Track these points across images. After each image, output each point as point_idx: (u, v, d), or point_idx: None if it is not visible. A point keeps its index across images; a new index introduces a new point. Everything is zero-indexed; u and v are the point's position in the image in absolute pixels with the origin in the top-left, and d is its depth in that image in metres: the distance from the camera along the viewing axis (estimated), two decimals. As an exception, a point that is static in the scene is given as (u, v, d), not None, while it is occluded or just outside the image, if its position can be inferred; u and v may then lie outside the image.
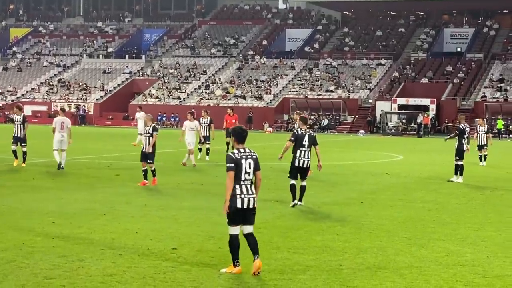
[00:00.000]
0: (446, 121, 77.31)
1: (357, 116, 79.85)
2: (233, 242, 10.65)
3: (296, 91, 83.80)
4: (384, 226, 15.26)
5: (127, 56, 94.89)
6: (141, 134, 40.45)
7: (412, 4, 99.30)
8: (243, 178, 10.63)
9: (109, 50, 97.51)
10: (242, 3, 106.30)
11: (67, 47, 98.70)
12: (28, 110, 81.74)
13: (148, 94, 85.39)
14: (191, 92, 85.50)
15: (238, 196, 10.61)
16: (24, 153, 26.55)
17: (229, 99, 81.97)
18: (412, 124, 75.47)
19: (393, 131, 74.82)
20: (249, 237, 10.74)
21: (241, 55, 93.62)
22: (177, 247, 12.42)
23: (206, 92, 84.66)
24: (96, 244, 12.62)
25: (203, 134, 31.86)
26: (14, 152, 26.61)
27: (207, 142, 32.06)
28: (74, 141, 28.27)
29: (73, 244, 12.63)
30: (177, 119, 78.86)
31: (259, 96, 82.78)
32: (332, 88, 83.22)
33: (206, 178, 24.80)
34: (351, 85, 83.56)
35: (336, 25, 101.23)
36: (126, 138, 48.90)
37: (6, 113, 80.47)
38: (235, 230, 10.67)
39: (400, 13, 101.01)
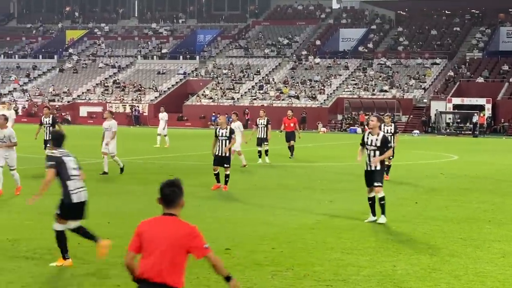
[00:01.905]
0: (502, 121, 76.17)
1: (411, 116, 79.13)
2: (61, 238, 11.03)
3: (350, 91, 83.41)
4: (439, 227, 15.09)
5: (181, 57, 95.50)
6: (159, 135, 40.69)
7: (468, 3, 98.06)
8: (71, 174, 11.04)
9: (163, 51, 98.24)
10: (295, 3, 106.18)
11: (122, 49, 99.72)
12: (83, 111, 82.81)
13: (202, 94, 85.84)
14: (245, 92, 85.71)
15: (72, 191, 11.03)
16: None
17: (282, 100, 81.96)
18: (468, 124, 74.53)
19: (448, 131, 73.98)
20: (80, 229, 11.21)
21: (294, 55, 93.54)
22: (230, 248, 12.45)
23: (259, 93, 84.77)
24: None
25: (260, 136, 30.76)
26: None
27: (265, 143, 30.79)
28: (129, 141, 28.53)
29: (128, 244, 12.74)
30: (230, 119, 79.16)
31: (313, 96, 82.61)
32: (386, 88, 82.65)
33: (260, 179, 24.81)
34: (406, 85, 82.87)
35: (390, 25, 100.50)
36: (179, 139, 49.21)
37: (62, 114, 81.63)
38: (62, 226, 11.05)
39: (455, 12, 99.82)
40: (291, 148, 33.23)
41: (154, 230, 6.68)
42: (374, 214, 15.56)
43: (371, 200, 15.61)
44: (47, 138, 25.67)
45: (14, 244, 12.40)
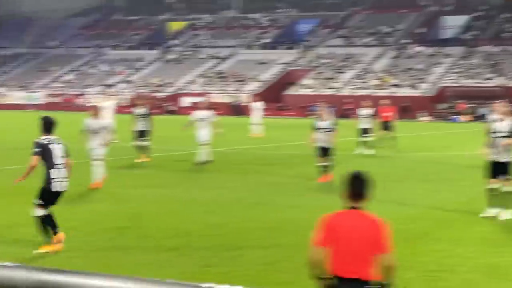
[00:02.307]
0: None
1: (518, 105, 76.99)
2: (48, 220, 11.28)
3: (453, 80, 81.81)
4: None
5: (281, 47, 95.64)
6: (254, 125, 40.77)
7: None
8: (56, 162, 11.22)
9: (264, 41, 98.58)
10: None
11: (223, 39, 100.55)
12: (186, 101, 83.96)
13: (302, 84, 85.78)
14: (345, 82, 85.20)
15: (54, 180, 11.21)
16: (146, 147, 25.65)
17: (384, 89, 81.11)
18: None
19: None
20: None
21: (396, 44, 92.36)
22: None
23: (360, 82, 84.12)
24: (253, 233, 12.84)
25: (364, 126, 30.19)
26: (138, 147, 25.61)
27: (369, 134, 30.20)
28: (230, 131, 28.65)
29: (232, 232, 12.92)
30: (333, 109, 78.81)
31: (415, 85, 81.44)
32: (491, 76, 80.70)
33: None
34: (511, 73, 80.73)
35: (496, 11, 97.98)
36: (279, 129, 49.34)
37: (165, 104, 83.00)
38: (45, 211, 11.26)
39: None
40: (388, 138, 32.62)
41: (347, 224, 6.38)
42: (493, 207, 14.84)
43: (493, 191, 14.85)
44: (140, 129, 25.75)
45: (122, 232, 12.73)
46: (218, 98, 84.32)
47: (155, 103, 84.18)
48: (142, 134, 25.69)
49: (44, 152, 11.26)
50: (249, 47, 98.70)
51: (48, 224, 11.25)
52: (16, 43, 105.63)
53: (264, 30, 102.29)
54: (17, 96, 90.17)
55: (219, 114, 72.11)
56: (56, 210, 15.05)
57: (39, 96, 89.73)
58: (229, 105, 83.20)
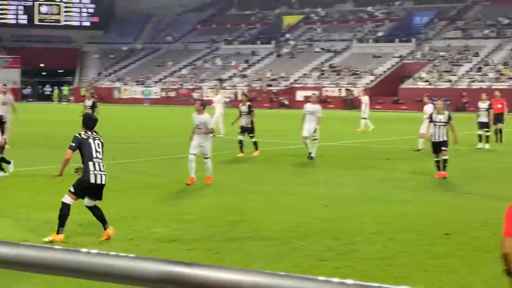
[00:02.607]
0: None
1: None
2: (65, 211, 11.42)
3: None
4: None
5: (396, 40, 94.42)
6: (364, 119, 40.16)
7: None
8: (94, 156, 11.53)
9: (379, 34, 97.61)
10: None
11: (337, 33, 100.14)
12: (300, 95, 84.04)
13: (418, 77, 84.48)
14: (462, 75, 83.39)
15: (91, 172, 11.46)
16: (253, 143, 25.51)
17: (502, 81, 78.94)
18: None
19: None
20: (94, 209, 11.71)
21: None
22: (450, 233, 12.19)
23: (478, 75, 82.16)
24: (368, 228, 12.71)
25: (482, 120, 29.29)
26: (240, 143, 25.37)
27: (488, 128, 29.39)
28: (341, 125, 28.39)
29: (345, 227, 12.83)
30: (448, 102, 77.29)
31: (536, 77, 78.89)
32: None
33: (483, 164, 24.08)
34: None
35: None
36: (393, 122, 48.73)
37: (279, 98, 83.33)
38: (72, 201, 11.53)
39: None
40: (498, 131, 31.66)
41: None
42: None
43: None
44: (244, 125, 25.72)
45: (236, 225, 12.82)
46: (332, 92, 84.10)
47: (269, 96, 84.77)
48: (245, 130, 25.62)
49: (82, 146, 11.66)
50: (363, 40, 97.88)
51: (63, 213, 11.57)
52: (134, 39, 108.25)
53: (378, 23, 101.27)
54: (134, 91, 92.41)
55: (331, 107, 71.83)
56: (174, 203, 15.33)
57: (155, 91, 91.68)
58: (342, 99, 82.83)
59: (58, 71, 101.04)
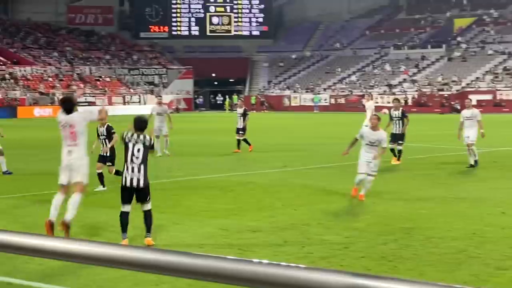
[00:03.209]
0: None
1: None
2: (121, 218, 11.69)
3: None
4: None
5: None
6: None
7: None
8: (129, 159, 11.63)
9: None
10: None
11: (511, 34, 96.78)
12: (473, 99, 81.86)
13: None
14: None
15: (124, 174, 11.53)
16: (399, 151, 24.72)
17: None
18: None
19: None
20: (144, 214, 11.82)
21: None
22: None
23: None
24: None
25: None
26: (392, 150, 24.46)
27: None
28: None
29: (524, 235, 12.34)
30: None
31: None
32: None
33: None
34: None
35: None
36: None
37: (451, 103, 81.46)
38: (124, 207, 11.67)
39: None
40: None
41: None
42: None
43: None
44: (394, 132, 24.80)
45: (409, 233, 12.62)
46: (506, 95, 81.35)
47: (440, 101, 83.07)
48: (396, 137, 24.86)
49: (124, 147, 11.87)
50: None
51: (121, 221, 11.75)
52: (303, 47, 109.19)
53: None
54: (304, 98, 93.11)
55: (506, 111, 69.32)
56: (344, 210, 15.29)
57: (324, 98, 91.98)
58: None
59: (229, 80, 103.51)
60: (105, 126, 18.02)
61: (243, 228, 12.98)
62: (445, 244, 11.59)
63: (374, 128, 16.52)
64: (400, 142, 24.81)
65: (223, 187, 18.57)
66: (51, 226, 12.06)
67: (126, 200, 11.79)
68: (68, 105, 12.61)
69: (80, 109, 13.25)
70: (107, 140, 18.07)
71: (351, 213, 14.81)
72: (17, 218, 14.40)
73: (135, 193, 11.80)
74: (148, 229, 11.84)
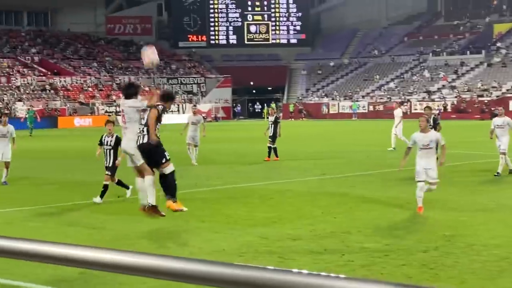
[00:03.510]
0: None
1: None
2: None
3: None
4: None
5: None
6: None
7: None
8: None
9: None
10: None
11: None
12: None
13: None
14: None
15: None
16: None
17: None
18: None
19: None
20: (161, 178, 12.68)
21: None
22: None
23: None
24: None
25: None
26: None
27: None
28: None
29: None
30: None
31: None
32: None
33: None
34: None
35: None
36: None
37: (492, 109, 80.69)
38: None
39: None
40: None
41: None
42: None
43: None
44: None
45: (450, 240, 12.53)
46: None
47: (480, 107, 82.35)
48: None
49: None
50: None
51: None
52: (341, 54, 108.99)
53: None
54: (342, 106, 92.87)
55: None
56: (384, 217, 15.21)
57: (362, 105, 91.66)
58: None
59: (267, 88, 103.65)
60: (114, 137, 17.85)
61: (283, 236, 12.98)
62: (487, 252, 11.48)
63: (424, 130, 15.75)
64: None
65: (262, 196, 18.60)
66: (150, 209, 12.68)
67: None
68: (125, 90, 13.30)
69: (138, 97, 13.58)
70: (112, 151, 17.76)
71: (391, 221, 14.73)
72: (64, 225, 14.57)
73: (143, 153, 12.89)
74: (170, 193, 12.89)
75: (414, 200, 16.33)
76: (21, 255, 2.48)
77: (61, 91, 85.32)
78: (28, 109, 63.97)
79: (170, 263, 2.24)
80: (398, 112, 34.98)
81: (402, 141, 31.74)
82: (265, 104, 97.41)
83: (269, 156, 29.29)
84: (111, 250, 2.34)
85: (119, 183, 18.00)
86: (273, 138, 29.41)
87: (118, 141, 17.29)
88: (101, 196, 17.48)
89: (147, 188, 12.64)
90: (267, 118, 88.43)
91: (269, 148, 29.45)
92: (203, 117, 32.93)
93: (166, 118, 16.86)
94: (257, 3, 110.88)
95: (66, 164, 28.84)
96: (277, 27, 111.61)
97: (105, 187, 17.57)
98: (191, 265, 2.22)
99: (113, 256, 2.31)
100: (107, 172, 17.76)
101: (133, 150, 12.86)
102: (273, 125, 29.63)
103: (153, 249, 12.08)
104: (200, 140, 28.37)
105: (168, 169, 12.11)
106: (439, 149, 16.25)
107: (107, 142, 17.91)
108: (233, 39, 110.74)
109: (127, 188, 18.10)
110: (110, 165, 17.79)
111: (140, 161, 12.82)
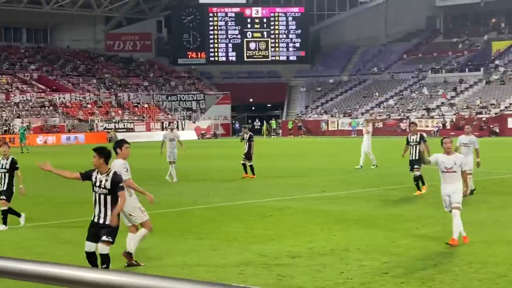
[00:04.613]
0: None
1: None
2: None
3: None
4: None
5: None
6: None
7: None
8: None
9: None
10: None
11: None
12: (511, 122, 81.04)
13: None
14: None
15: None
16: (417, 178, 22.90)
17: None
18: None
19: None
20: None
21: None
22: None
23: None
24: None
25: None
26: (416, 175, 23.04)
27: None
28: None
29: None
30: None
31: None
32: None
33: None
34: None
35: None
36: None
37: (490, 126, 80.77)
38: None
39: None
40: None
41: None
42: None
43: None
44: (412, 159, 23.08)
45: (448, 257, 12.52)
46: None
47: (479, 125, 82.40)
48: (413, 163, 22.95)
49: None
50: None
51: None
52: (340, 71, 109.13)
53: None
54: (341, 122, 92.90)
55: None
56: (383, 235, 15.20)
57: (361, 122, 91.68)
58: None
59: (267, 105, 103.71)
60: (9, 159, 16.70)
61: (282, 254, 12.97)
62: (486, 270, 11.48)
63: (449, 152, 14.65)
64: (417, 167, 22.72)
65: (261, 213, 18.59)
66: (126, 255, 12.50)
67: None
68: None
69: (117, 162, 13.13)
70: (7, 175, 16.59)
71: (390, 238, 14.72)
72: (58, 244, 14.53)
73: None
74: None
75: (412, 218, 16.34)
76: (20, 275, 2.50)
77: (60, 108, 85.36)
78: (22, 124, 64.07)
79: (169, 285, 2.26)
80: (369, 129, 35.13)
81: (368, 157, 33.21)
82: (264, 121, 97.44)
83: (246, 172, 29.51)
84: (108, 271, 2.36)
85: (11, 211, 16.82)
86: (247, 155, 29.70)
87: (13, 163, 16.59)
88: (4, 223, 16.53)
89: (138, 236, 12.47)
90: (268, 135, 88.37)
91: (243, 165, 29.71)
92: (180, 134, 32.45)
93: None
94: (257, 20, 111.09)
95: (65, 181, 28.74)
96: (277, 44, 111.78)
97: (4, 212, 16.58)
98: (189, 286, 2.23)
99: (111, 277, 2.33)
100: (2, 197, 16.59)
101: (132, 210, 12.66)
102: (247, 143, 29.84)
103: (151, 267, 12.07)
104: (182, 157, 28.57)
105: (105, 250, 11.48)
106: (463, 174, 14.76)
107: (2, 165, 16.67)
108: (232, 56, 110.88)
109: (19, 216, 16.99)
110: (5, 188, 16.64)
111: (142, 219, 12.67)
